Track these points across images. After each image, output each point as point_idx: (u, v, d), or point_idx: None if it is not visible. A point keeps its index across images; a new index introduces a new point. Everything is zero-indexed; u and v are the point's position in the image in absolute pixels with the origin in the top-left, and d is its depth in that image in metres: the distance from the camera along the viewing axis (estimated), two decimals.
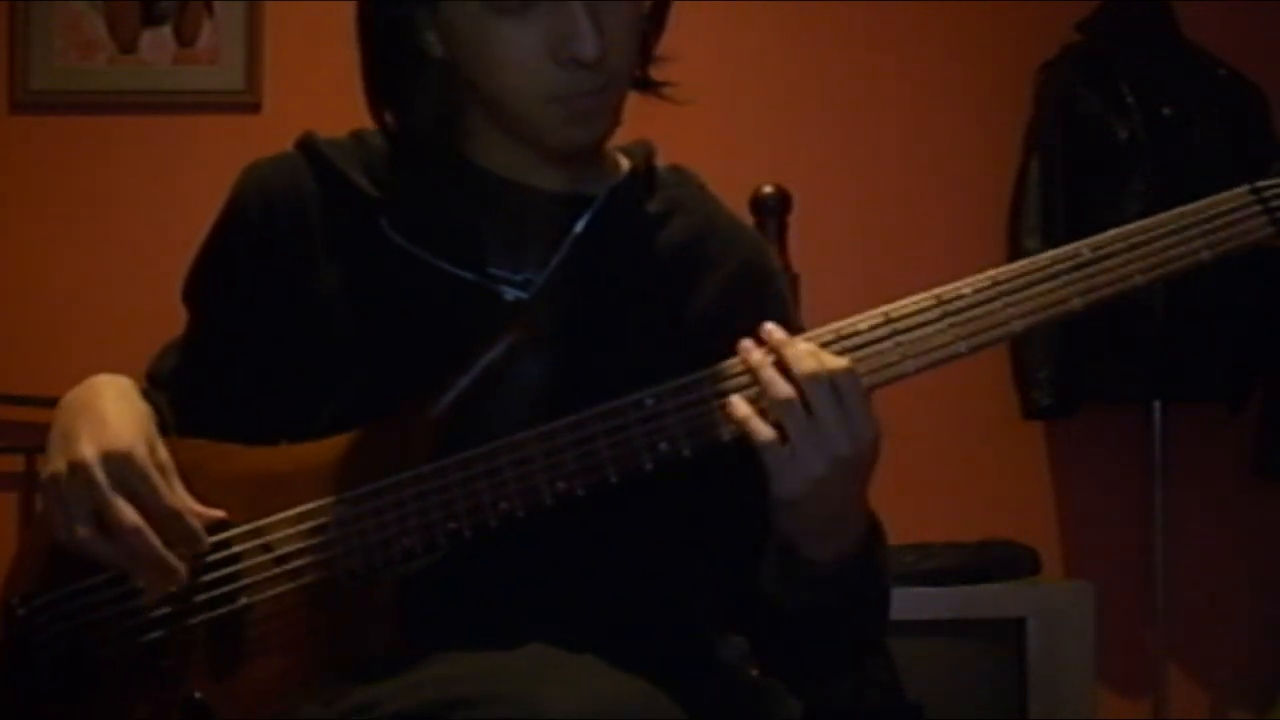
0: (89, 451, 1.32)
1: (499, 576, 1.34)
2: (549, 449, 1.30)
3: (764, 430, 1.27)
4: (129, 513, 1.31)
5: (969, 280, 1.32)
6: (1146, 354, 3.34)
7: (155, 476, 1.32)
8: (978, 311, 1.31)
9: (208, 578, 1.34)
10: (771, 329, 1.31)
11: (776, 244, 2.86)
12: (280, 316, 1.43)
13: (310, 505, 1.34)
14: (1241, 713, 3.61)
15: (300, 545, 1.33)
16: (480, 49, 1.37)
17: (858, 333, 1.31)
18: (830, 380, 1.26)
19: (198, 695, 1.32)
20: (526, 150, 1.43)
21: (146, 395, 1.43)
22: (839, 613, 1.37)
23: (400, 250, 1.41)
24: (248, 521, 1.35)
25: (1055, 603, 3.12)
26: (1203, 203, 1.34)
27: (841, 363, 1.28)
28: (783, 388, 1.27)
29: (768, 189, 2.83)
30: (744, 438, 1.28)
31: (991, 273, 1.33)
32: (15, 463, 3.22)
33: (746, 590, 1.40)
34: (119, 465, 1.31)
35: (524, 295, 1.41)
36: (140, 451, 1.33)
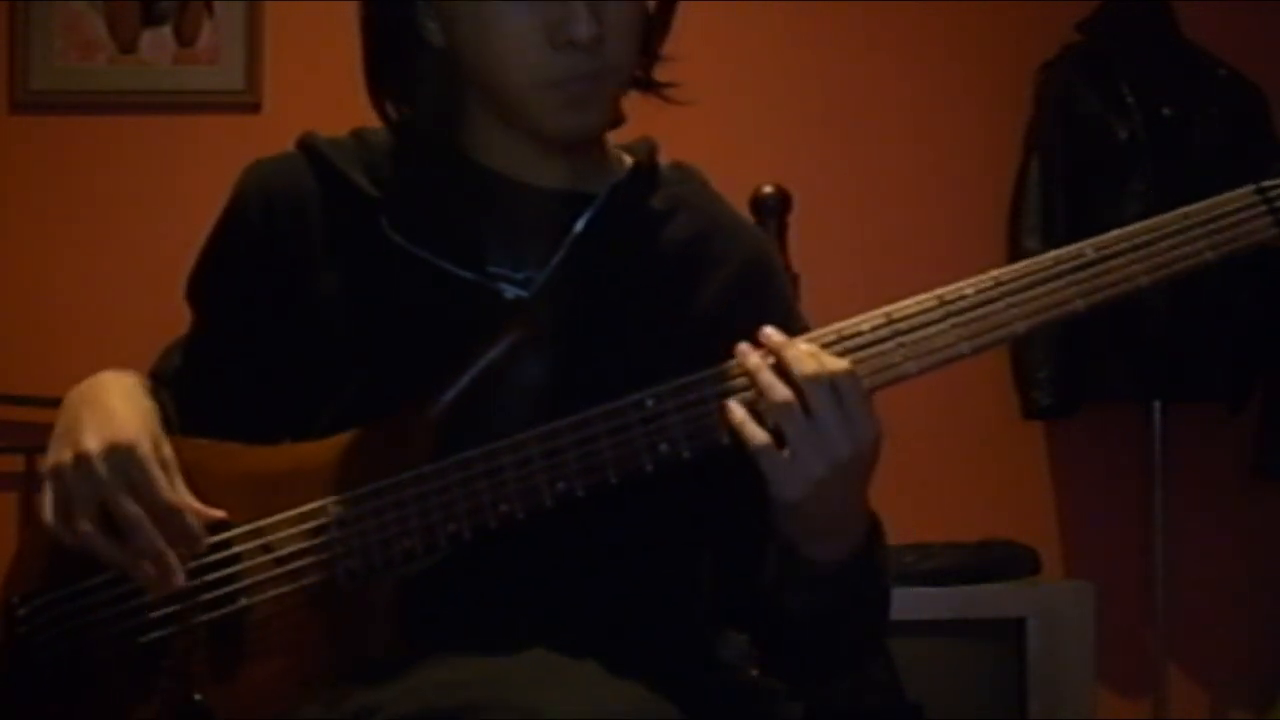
0: (94, 444, 1.32)
1: (499, 577, 1.34)
2: (549, 449, 1.30)
3: (759, 435, 1.26)
4: (131, 506, 1.31)
5: (971, 280, 1.31)
6: (1147, 354, 3.34)
7: (158, 473, 1.32)
8: (980, 312, 1.30)
9: (208, 578, 1.34)
10: (770, 332, 1.30)
11: (776, 244, 2.86)
12: (281, 316, 1.43)
13: (311, 505, 1.33)
14: (1241, 713, 3.61)
15: (300, 546, 1.33)
16: (478, 36, 1.37)
17: (859, 333, 1.30)
18: (831, 381, 1.25)
19: (197, 697, 1.32)
20: (526, 145, 1.42)
21: (152, 393, 1.43)
22: (840, 613, 1.36)
23: (400, 250, 1.41)
24: (248, 521, 1.35)
25: (1055, 603, 3.12)
26: (1207, 203, 1.33)
27: (842, 364, 1.27)
28: (781, 391, 1.26)
29: (768, 189, 2.83)
30: (740, 442, 1.27)
31: (994, 273, 1.32)
32: (15, 463, 3.22)
33: (748, 590, 1.40)
34: (123, 459, 1.31)
35: (524, 294, 1.41)
36: (145, 447, 1.33)
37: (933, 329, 1.30)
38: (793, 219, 2.82)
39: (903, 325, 1.30)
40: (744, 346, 1.30)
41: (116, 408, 1.35)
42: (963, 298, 1.31)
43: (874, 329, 1.30)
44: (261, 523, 1.34)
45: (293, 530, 1.33)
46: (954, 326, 1.30)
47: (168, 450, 1.35)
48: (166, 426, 1.39)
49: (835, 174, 3.55)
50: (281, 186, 1.45)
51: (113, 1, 3.47)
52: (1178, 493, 3.53)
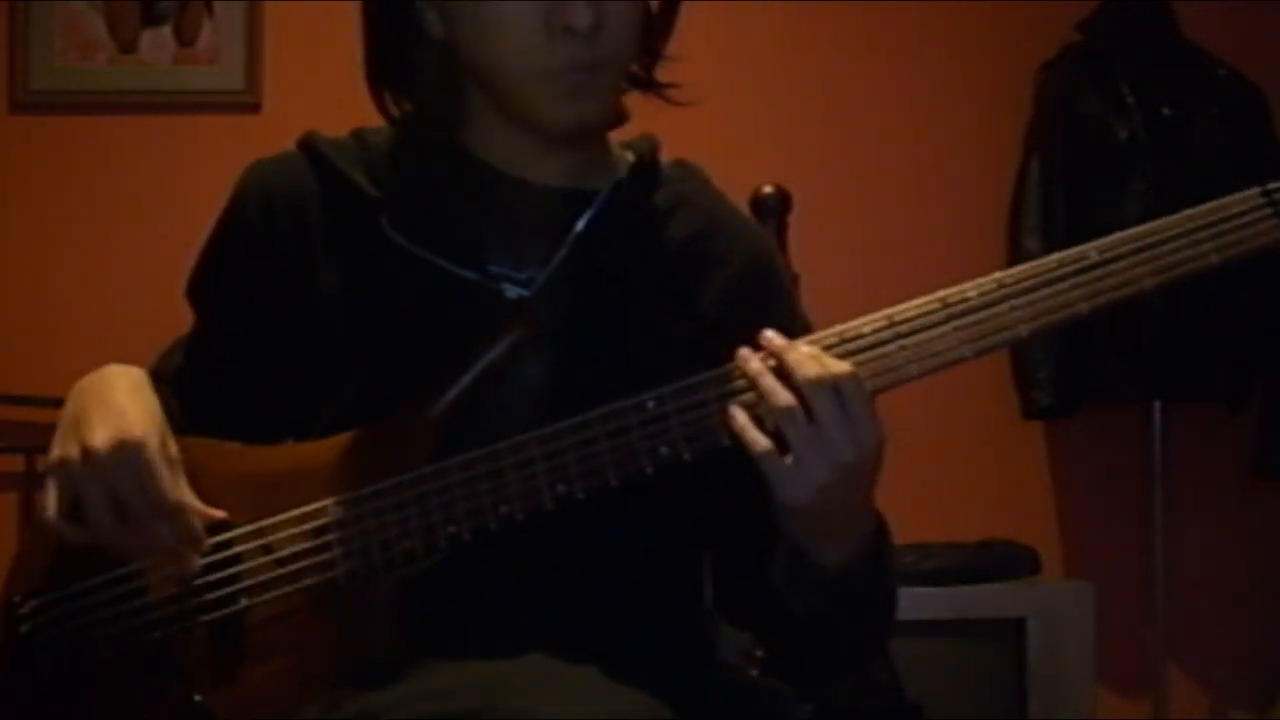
0: (102, 439, 1.31)
1: (499, 578, 1.34)
2: (549, 451, 1.30)
3: (760, 440, 1.26)
4: (138, 499, 1.30)
5: (974, 282, 1.30)
6: (1147, 354, 3.34)
7: (165, 470, 1.32)
8: (983, 315, 1.29)
9: (209, 578, 1.34)
10: (771, 335, 1.29)
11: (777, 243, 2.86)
12: (281, 316, 1.43)
13: (311, 506, 1.33)
14: (1241, 713, 3.61)
15: (301, 547, 1.33)
16: (477, 25, 1.37)
17: (861, 336, 1.29)
18: (833, 384, 1.24)
19: (198, 697, 1.32)
20: (527, 140, 1.42)
21: (155, 388, 1.42)
22: (845, 615, 1.35)
23: (401, 249, 1.41)
24: (249, 522, 1.35)
25: (1055, 603, 3.12)
26: (1212, 205, 1.31)
27: (844, 367, 1.26)
28: (783, 396, 1.25)
29: (768, 189, 2.82)
30: (742, 447, 1.27)
31: (997, 275, 1.30)
32: (15, 463, 3.22)
33: (753, 590, 1.39)
34: (132, 455, 1.31)
35: (525, 293, 1.40)
36: (154, 444, 1.32)
37: (935, 331, 1.29)
38: (793, 219, 2.81)
39: (905, 327, 1.29)
40: (745, 351, 1.29)
41: (124, 404, 1.35)
42: (965, 300, 1.29)
43: (876, 331, 1.29)
44: (262, 523, 1.34)
45: (293, 531, 1.33)
46: (956, 329, 1.29)
47: (174, 449, 1.35)
48: (170, 423, 1.39)
49: (835, 174, 3.55)
50: (282, 186, 1.45)
51: (113, 1, 3.47)
52: (1178, 493, 3.53)
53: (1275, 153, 3.44)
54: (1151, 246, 1.30)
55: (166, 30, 3.48)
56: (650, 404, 1.29)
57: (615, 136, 1.50)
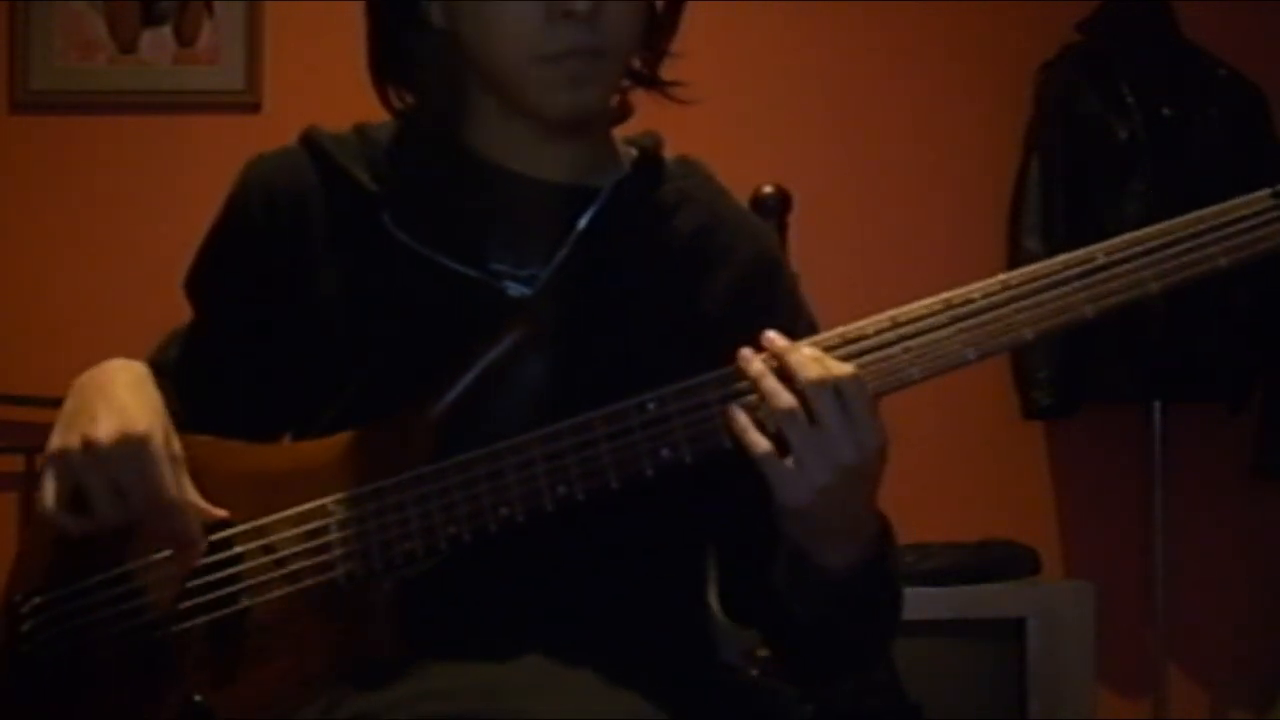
0: (105, 432, 1.30)
1: (500, 579, 1.34)
2: (550, 452, 1.29)
3: (762, 443, 1.25)
4: (140, 492, 1.30)
5: (979, 284, 1.29)
6: (1147, 354, 3.34)
7: (168, 465, 1.32)
8: (987, 317, 1.28)
9: (210, 578, 1.34)
10: (773, 337, 1.28)
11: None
12: (281, 312, 1.43)
13: (311, 505, 1.33)
14: (1241, 713, 3.61)
15: (301, 547, 1.32)
16: (477, 13, 1.36)
17: (864, 337, 1.28)
18: (835, 386, 1.24)
19: (198, 698, 1.31)
20: (529, 134, 1.41)
21: (158, 385, 1.41)
22: (849, 618, 1.35)
23: (402, 246, 1.40)
24: (251, 520, 1.34)
25: (1055, 603, 3.12)
26: (1220, 207, 1.29)
27: (846, 369, 1.25)
28: (785, 398, 1.24)
29: (768, 189, 2.82)
30: (743, 449, 1.26)
31: (1002, 277, 1.29)
32: (15, 463, 3.22)
33: (757, 591, 1.38)
34: (136, 447, 1.30)
35: (528, 291, 1.40)
36: (158, 437, 1.32)
37: (939, 333, 1.28)
38: (793, 219, 2.81)
39: (908, 329, 1.28)
40: (746, 351, 1.28)
41: (128, 398, 1.34)
42: (970, 302, 1.28)
43: (879, 333, 1.28)
44: (263, 522, 1.34)
45: (293, 531, 1.33)
46: (960, 331, 1.28)
47: (177, 445, 1.34)
48: (172, 421, 1.38)
49: (835, 174, 3.55)
50: (283, 181, 1.44)
51: (113, 1, 3.47)
52: (1178, 493, 3.53)
53: (1275, 153, 3.44)
54: (1159, 249, 1.28)
55: (166, 30, 3.48)
56: (651, 405, 1.28)
57: (618, 134, 1.50)
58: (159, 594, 1.34)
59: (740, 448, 1.26)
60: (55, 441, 1.33)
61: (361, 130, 1.47)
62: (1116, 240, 1.29)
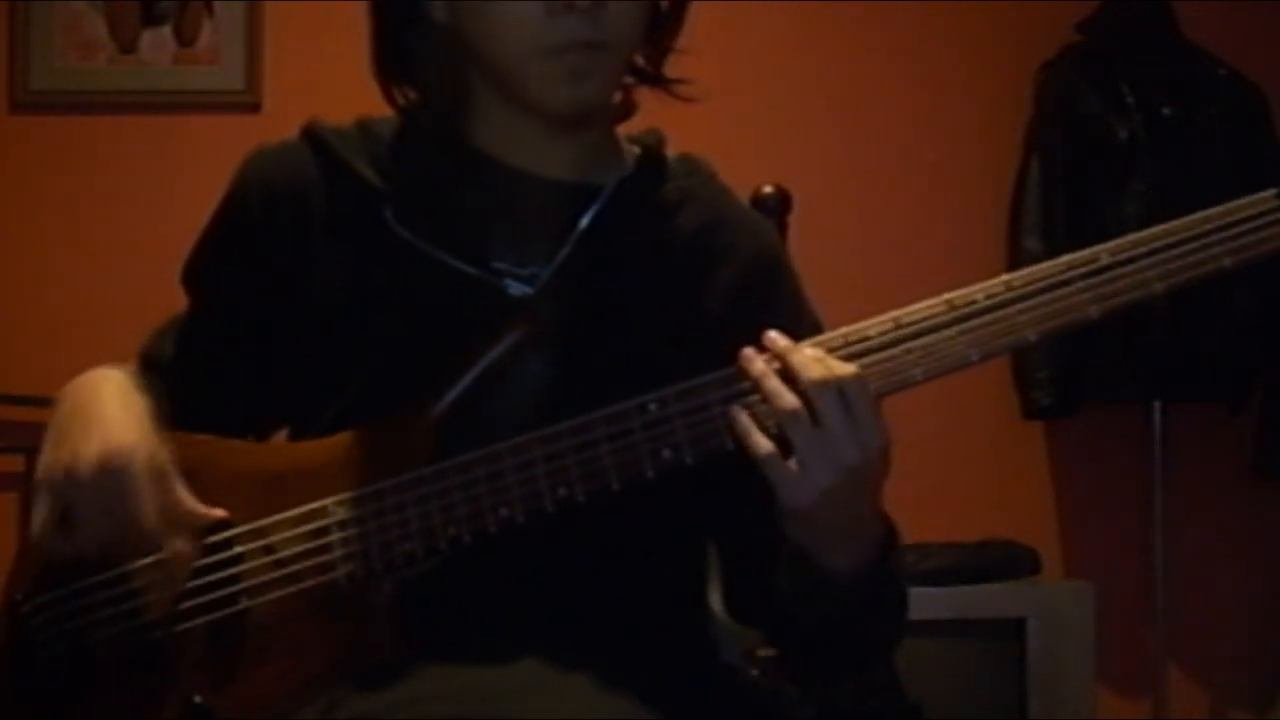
0: (87, 452, 1.31)
1: (499, 580, 1.33)
2: (550, 453, 1.29)
3: (764, 445, 1.25)
4: (123, 514, 1.30)
5: (982, 285, 1.28)
6: (1147, 354, 3.34)
7: (150, 484, 1.31)
8: (990, 318, 1.27)
9: (210, 579, 1.34)
10: (775, 337, 1.28)
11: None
12: (279, 308, 1.42)
13: (312, 506, 1.33)
14: (1241, 713, 3.61)
15: (301, 548, 1.32)
16: (479, 9, 1.36)
17: (867, 338, 1.27)
18: (838, 387, 1.23)
19: (198, 699, 1.31)
20: (531, 131, 1.40)
21: (144, 387, 1.41)
22: (854, 619, 1.34)
23: (403, 243, 1.39)
24: (251, 520, 1.34)
25: (1055, 603, 3.12)
26: (1224, 207, 1.28)
27: (849, 369, 1.25)
28: (788, 399, 1.24)
29: (768, 189, 2.82)
30: (745, 451, 1.26)
31: (1005, 277, 1.28)
32: (15, 463, 3.21)
33: (760, 592, 1.38)
34: (116, 473, 1.30)
35: (529, 290, 1.39)
36: (140, 456, 1.32)
37: (941, 334, 1.27)
38: (793, 219, 2.81)
39: (911, 330, 1.27)
40: (748, 352, 1.27)
41: (110, 414, 1.34)
42: (973, 303, 1.27)
43: (882, 333, 1.27)
44: (263, 522, 1.34)
45: (293, 531, 1.33)
46: (963, 332, 1.27)
47: (164, 456, 1.34)
48: (161, 417, 1.38)
49: (835, 174, 3.55)
50: (284, 175, 1.44)
51: (113, 1, 3.47)
52: (1178, 493, 3.53)
53: (1275, 153, 3.44)
54: (1163, 249, 1.27)
55: (166, 30, 3.48)
56: (653, 406, 1.28)
57: (621, 131, 1.49)
58: (159, 594, 1.34)
59: (742, 449, 1.26)
60: (42, 464, 1.35)
61: (364, 125, 1.46)
62: (1120, 241, 1.28)
